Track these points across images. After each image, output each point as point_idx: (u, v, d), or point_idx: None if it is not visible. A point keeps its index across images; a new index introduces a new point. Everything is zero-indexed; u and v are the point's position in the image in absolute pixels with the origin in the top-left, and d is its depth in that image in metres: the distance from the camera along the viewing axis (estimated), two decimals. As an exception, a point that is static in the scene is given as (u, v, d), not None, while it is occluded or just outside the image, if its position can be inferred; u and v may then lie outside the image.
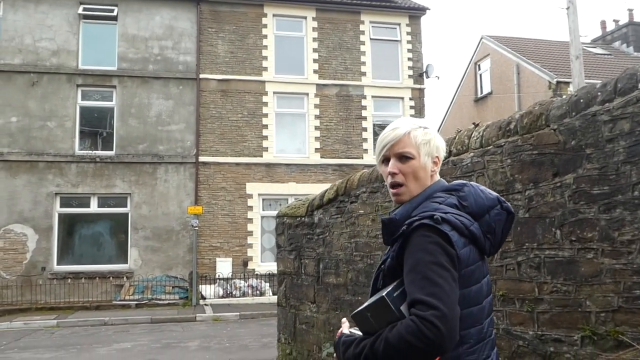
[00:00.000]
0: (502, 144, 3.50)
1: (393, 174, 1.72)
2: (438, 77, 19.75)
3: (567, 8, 7.92)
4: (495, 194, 1.77)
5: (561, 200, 3.07)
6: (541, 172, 3.21)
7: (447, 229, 1.54)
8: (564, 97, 3.27)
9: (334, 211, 5.33)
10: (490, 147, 3.60)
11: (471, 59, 25.06)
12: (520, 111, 3.55)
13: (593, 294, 2.87)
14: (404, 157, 1.71)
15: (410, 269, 1.51)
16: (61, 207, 16.36)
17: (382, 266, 1.67)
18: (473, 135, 3.80)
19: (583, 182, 2.94)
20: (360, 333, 1.61)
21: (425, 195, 1.71)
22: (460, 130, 4.04)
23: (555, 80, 19.21)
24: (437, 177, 1.79)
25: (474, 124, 3.95)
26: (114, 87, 17.02)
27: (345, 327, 1.71)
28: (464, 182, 1.77)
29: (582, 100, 3.03)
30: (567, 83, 18.35)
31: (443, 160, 4.14)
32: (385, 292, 1.54)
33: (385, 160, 1.76)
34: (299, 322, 5.99)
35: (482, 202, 1.70)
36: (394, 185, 1.73)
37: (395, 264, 1.60)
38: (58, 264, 16.08)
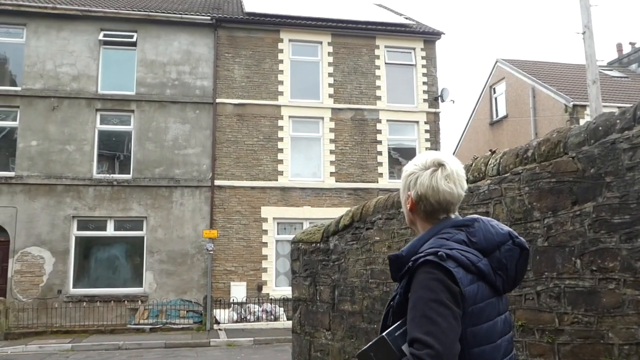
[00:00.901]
0: (520, 171, 3.46)
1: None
2: (453, 101, 19.72)
3: (583, 33, 7.90)
4: (507, 228, 1.72)
5: (581, 229, 3.02)
6: (560, 201, 3.17)
7: (451, 265, 1.52)
8: (581, 124, 3.24)
9: (350, 237, 5.30)
10: (508, 174, 3.56)
11: (486, 83, 25.07)
12: (538, 138, 3.52)
13: (615, 325, 2.79)
14: None
15: (411, 306, 1.51)
16: (78, 230, 16.50)
17: (392, 303, 1.66)
18: (490, 162, 3.77)
19: (603, 211, 2.89)
20: None
21: (433, 232, 1.69)
22: (477, 157, 4.01)
23: (572, 103, 19.12)
24: (438, 215, 1.74)
25: (490, 150, 3.93)
26: (132, 111, 17.27)
27: None
28: (476, 217, 1.72)
29: (600, 128, 3.00)
30: (584, 106, 18.24)
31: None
32: (386, 332, 1.55)
33: None
34: (313, 350, 5.91)
35: (491, 238, 1.66)
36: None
37: (403, 301, 1.58)
38: (74, 287, 16.15)
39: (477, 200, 3.78)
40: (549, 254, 3.21)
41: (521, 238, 1.73)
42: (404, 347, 1.50)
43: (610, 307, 2.83)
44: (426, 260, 1.52)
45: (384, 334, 1.55)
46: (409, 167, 1.76)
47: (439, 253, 1.53)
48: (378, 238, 4.84)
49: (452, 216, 1.74)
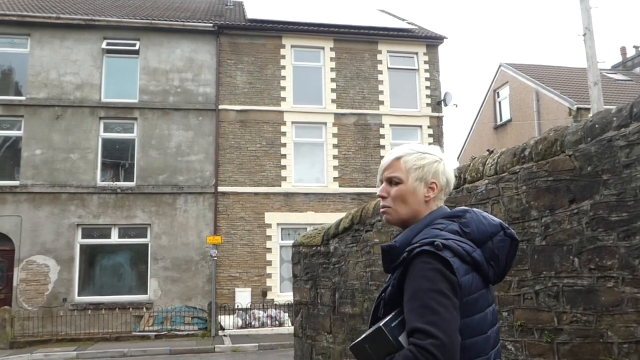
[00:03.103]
0: (517, 170, 3.45)
1: (381, 197, 1.77)
2: (456, 105, 19.71)
3: (584, 35, 7.88)
4: (498, 220, 1.73)
5: (578, 228, 3.00)
6: (557, 199, 3.15)
7: (448, 255, 1.51)
8: (578, 122, 3.22)
9: (350, 240, 5.29)
10: (505, 173, 3.55)
11: (490, 87, 25.03)
12: (535, 137, 3.50)
13: (615, 324, 2.77)
14: (392, 181, 1.75)
15: (410, 296, 1.48)
16: (82, 238, 16.54)
17: (383, 294, 1.64)
18: (487, 162, 3.76)
19: (600, 209, 2.87)
20: None
21: (425, 222, 1.69)
22: (475, 158, 4.00)
23: (576, 106, 19.04)
24: (439, 203, 1.77)
25: (488, 150, 3.92)
26: (135, 119, 17.34)
27: None
28: (466, 208, 1.74)
29: (597, 126, 2.99)
30: (588, 109, 18.15)
31: (457, 188, 4.07)
32: (383, 323, 1.51)
33: (381, 183, 1.80)
34: (315, 353, 5.89)
35: (484, 229, 1.67)
36: (382, 207, 1.79)
37: (396, 292, 1.57)
38: (79, 294, 16.17)
39: (475, 200, 3.77)
40: (547, 253, 3.19)
41: (511, 229, 1.74)
42: (401, 338, 1.47)
43: (609, 305, 2.81)
44: (423, 250, 1.51)
45: (380, 324, 1.51)
46: (427, 156, 1.76)
47: (436, 242, 1.52)
48: (377, 240, 4.83)
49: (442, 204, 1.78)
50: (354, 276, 5.17)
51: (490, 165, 3.72)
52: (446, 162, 1.77)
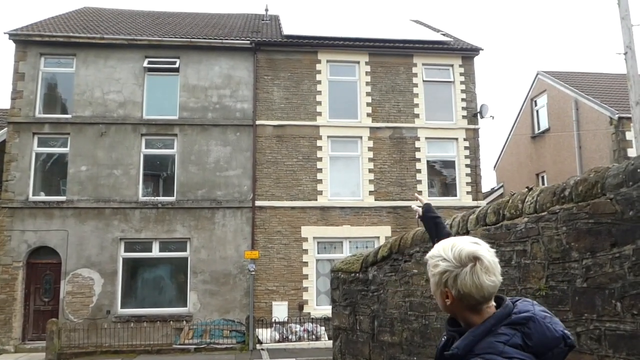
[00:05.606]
0: (557, 210, 3.47)
1: None
2: (493, 117, 19.43)
3: (625, 53, 7.74)
4: (561, 330, 1.72)
5: (620, 272, 3.00)
6: (598, 242, 3.16)
7: None
8: (619, 165, 3.22)
9: (388, 269, 5.35)
10: (545, 213, 3.57)
11: (527, 95, 24.65)
12: (575, 177, 3.52)
13: (658, 371, 2.76)
14: None
15: None
16: (125, 251, 17.03)
17: None
18: (527, 200, 3.79)
19: (643, 255, 2.87)
20: None
21: (487, 328, 1.68)
22: (514, 194, 4.03)
23: (617, 115, 18.58)
24: (486, 309, 1.72)
25: (527, 187, 3.94)
26: (175, 135, 17.79)
27: None
28: (530, 315, 1.70)
29: (639, 170, 2.99)
30: (630, 119, 17.70)
31: (496, 224, 4.08)
32: None
33: None
34: (355, 379, 5.95)
35: (547, 342, 1.68)
36: None
37: None
38: (122, 307, 16.64)
39: (514, 238, 3.79)
40: (588, 295, 3.20)
41: (572, 339, 1.74)
42: None
43: (652, 352, 2.80)
44: None
45: None
46: (440, 263, 1.72)
47: None
48: (416, 271, 4.88)
49: (493, 305, 1.73)
50: (392, 305, 5.23)
51: (529, 203, 3.74)
52: (467, 270, 1.67)
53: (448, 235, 2.65)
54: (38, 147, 17.40)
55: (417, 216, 3.04)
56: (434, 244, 2.81)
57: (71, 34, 17.90)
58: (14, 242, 16.43)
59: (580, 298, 3.25)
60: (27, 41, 17.66)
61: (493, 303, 1.73)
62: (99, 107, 17.66)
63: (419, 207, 3.03)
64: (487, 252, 1.71)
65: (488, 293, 1.68)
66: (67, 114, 17.85)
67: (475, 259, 1.68)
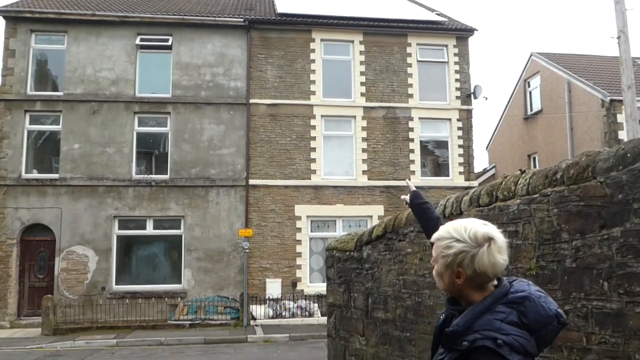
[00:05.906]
0: (549, 193, 3.57)
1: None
2: (486, 98, 19.50)
3: (618, 37, 7.80)
4: (554, 309, 1.80)
5: (608, 253, 3.12)
6: (588, 224, 3.27)
7: (506, 352, 1.66)
8: (610, 149, 3.32)
9: (382, 248, 5.47)
10: (537, 195, 3.67)
11: (520, 77, 24.71)
12: (567, 160, 3.61)
13: (642, 348, 2.89)
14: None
15: None
16: (119, 229, 17.10)
17: None
18: (519, 182, 3.89)
19: (631, 236, 2.98)
20: None
21: (485, 306, 1.77)
22: (507, 176, 4.13)
23: (609, 98, 18.72)
24: (490, 288, 1.82)
25: (520, 170, 4.04)
26: (168, 113, 17.74)
27: None
28: (526, 294, 1.79)
29: (629, 155, 3.08)
30: (621, 101, 17.84)
31: (489, 205, 4.19)
32: None
33: None
34: (348, 354, 6.12)
35: (541, 320, 1.77)
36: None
37: None
38: (116, 284, 16.78)
39: (507, 219, 3.90)
40: (577, 275, 3.32)
41: (564, 317, 1.83)
42: None
43: (637, 329, 2.92)
44: (484, 346, 1.67)
45: None
46: (455, 244, 1.79)
47: (498, 341, 1.67)
48: (410, 250, 5.00)
49: (494, 283, 1.82)
50: (386, 283, 5.36)
51: (522, 185, 3.84)
52: (484, 250, 1.75)
53: (437, 219, 2.75)
54: (30, 124, 17.31)
55: (405, 203, 3.15)
56: (423, 228, 2.91)
57: (62, 11, 17.68)
58: (7, 220, 16.45)
59: (569, 278, 3.37)
60: (17, 17, 17.44)
61: (495, 282, 1.83)
62: (90, 84, 17.54)
63: (408, 195, 3.14)
64: (499, 233, 1.81)
65: (500, 271, 1.79)
66: (58, 91, 17.74)
67: (490, 239, 1.77)
